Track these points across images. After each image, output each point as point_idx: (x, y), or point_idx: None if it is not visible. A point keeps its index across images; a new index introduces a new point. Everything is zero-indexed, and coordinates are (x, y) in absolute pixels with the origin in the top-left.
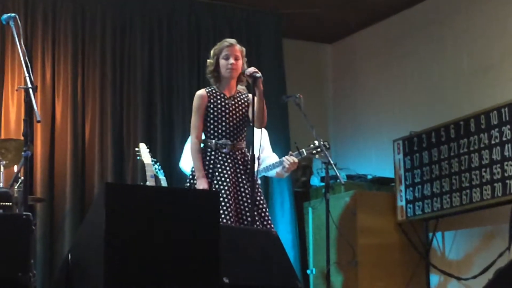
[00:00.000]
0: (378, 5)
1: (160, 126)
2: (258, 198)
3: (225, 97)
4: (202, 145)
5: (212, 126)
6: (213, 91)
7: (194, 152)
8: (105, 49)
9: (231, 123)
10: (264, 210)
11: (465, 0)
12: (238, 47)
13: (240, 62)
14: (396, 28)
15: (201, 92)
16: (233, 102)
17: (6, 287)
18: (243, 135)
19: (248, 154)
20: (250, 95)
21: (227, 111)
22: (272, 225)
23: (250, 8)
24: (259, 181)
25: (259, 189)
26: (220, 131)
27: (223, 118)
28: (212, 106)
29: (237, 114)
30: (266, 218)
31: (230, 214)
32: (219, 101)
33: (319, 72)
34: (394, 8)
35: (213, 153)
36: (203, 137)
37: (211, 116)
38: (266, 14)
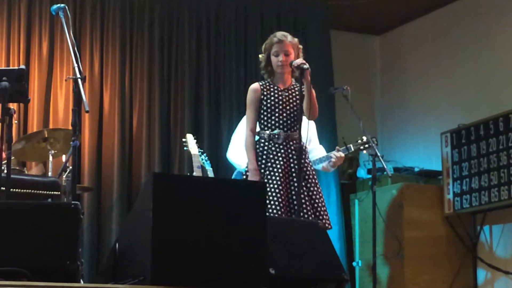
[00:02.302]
0: None
1: (207, 117)
2: (312, 189)
3: (279, 89)
4: (257, 137)
5: (265, 118)
6: (267, 84)
7: (248, 145)
8: (153, 39)
9: (284, 114)
10: (318, 201)
11: None
12: (288, 41)
13: (291, 56)
14: (444, 20)
15: (255, 85)
16: (286, 94)
17: (54, 275)
18: (297, 126)
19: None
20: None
21: (281, 102)
22: (328, 217)
23: None
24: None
25: (315, 180)
26: (273, 121)
27: (276, 110)
28: (265, 98)
29: (291, 105)
30: (320, 210)
31: (281, 205)
32: (272, 93)
33: (366, 64)
34: (442, 0)
35: (266, 143)
36: (258, 129)
37: (265, 108)
38: (314, 5)
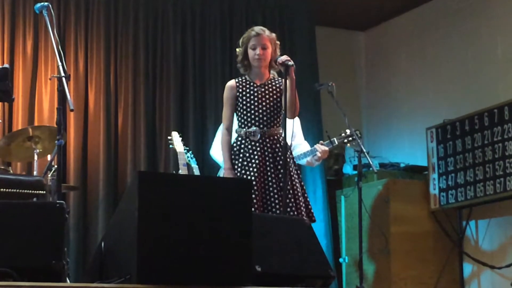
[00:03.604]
0: None
1: (192, 115)
2: (293, 183)
3: (255, 85)
4: (235, 135)
5: (242, 115)
6: (243, 80)
7: (222, 143)
8: (138, 37)
9: (260, 111)
10: (297, 196)
11: None
12: (266, 35)
13: (268, 50)
14: (429, 15)
15: (231, 82)
16: (263, 89)
17: (40, 274)
18: (275, 122)
19: (281, 141)
20: (283, 81)
21: (256, 98)
22: (310, 211)
23: None
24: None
25: (295, 174)
26: (249, 119)
27: (252, 106)
28: (241, 95)
29: (268, 101)
30: (299, 204)
31: (257, 205)
32: (248, 90)
33: (351, 59)
34: None
35: (243, 141)
36: (236, 126)
37: (241, 105)
38: (299, 1)
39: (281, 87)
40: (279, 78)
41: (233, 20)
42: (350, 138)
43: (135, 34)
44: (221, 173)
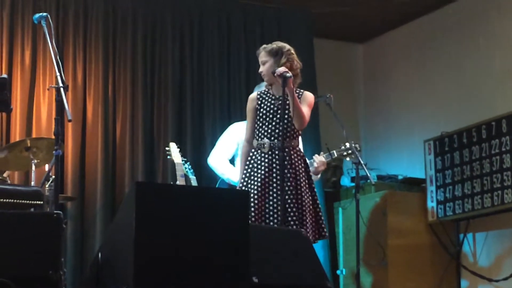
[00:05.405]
0: (410, 4)
1: (190, 126)
2: (303, 199)
3: (274, 97)
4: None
5: (257, 127)
6: (264, 93)
7: (241, 154)
8: (136, 48)
9: (273, 123)
10: (305, 213)
11: None
12: (262, 52)
13: (266, 65)
14: (427, 28)
15: (252, 95)
16: (279, 102)
17: (37, 285)
18: (288, 135)
19: (292, 154)
20: (303, 93)
21: (271, 111)
22: (319, 227)
23: (281, 7)
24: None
25: (306, 189)
26: (262, 130)
27: (267, 118)
28: (259, 108)
29: (280, 115)
30: (305, 221)
31: (253, 213)
32: (267, 102)
33: (350, 72)
34: (425, 8)
35: (255, 153)
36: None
37: (258, 117)
38: (297, 13)
39: (300, 99)
40: (301, 91)
41: (231, 32)
42: (350, 151)
43: (133, 45)
44: (221, 184)
